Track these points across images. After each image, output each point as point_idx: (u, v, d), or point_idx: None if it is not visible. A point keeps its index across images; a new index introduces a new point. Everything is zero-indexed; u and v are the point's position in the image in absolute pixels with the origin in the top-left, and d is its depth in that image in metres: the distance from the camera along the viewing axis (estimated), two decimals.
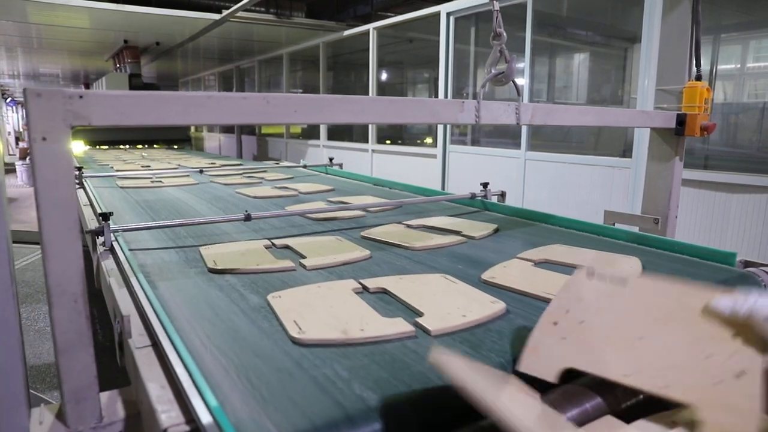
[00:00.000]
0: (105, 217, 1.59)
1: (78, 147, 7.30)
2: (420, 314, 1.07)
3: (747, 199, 2.99)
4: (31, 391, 2.36)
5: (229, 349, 0.92)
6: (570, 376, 0.93)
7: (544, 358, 0.81)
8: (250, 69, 10.08)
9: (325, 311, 1.08)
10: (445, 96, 5.08)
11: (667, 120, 1.86)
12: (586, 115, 1.66)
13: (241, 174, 3.71)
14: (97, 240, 1.62)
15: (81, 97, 0.81)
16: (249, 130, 10.23)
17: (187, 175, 3.59)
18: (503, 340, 0.99)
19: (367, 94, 6.30)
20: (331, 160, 3.89)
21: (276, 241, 1.71)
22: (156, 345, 0.96)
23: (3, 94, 18.82)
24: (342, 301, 1.14)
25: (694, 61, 1.93)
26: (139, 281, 1.23)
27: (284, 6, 7.63)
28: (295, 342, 0.95)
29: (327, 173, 3.85)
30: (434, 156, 5.34)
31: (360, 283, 1.26)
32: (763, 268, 1.48)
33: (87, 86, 15.32)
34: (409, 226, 1.97)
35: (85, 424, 0.88)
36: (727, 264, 1.53)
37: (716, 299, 0.76)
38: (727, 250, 1.54)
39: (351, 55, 8.30)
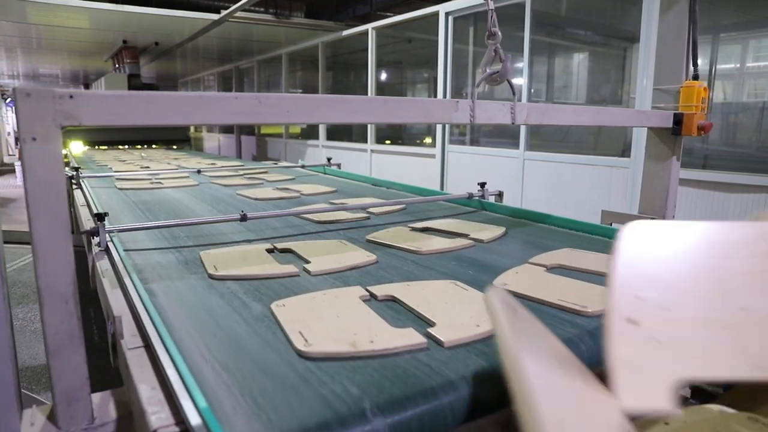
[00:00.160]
0: (100, 217, 1.59)
1: (77, 147, 7.30)
2: (431, 324, 1.02)
3: (745, 198, 2.98)
4: (26, 392, 2.36)
5: (232, 363, 0.88)
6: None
7: (645, 380, 0.50)
8: (250, 69, 10.08)
9: (332, 321, 1.03)
10: (444, 96, 5.08)
11: (663, 119, 1.86)
12: (582, 114, 1.65)
13: (241, 175, 3.68)
14: (92, 240, 1.61)
15: (71, 97, 0.81)
16: (248, 130, 10.23)
17: (187, 176, 3.55)
18: None
19: (366, 94, 6.30)
20: (329, 160, 3.89)
21: (278, 245, 1.67)
22: (148, 346, 0.96)
23: (2, 95, 18.81)
24: (349, 310, 1.09)
25: (691, 61, 1.92)
26: (133, 282, 1.22)
27: (283, 6, 7.62)
28: (301, 355, 0.90)
29: (325, 173, 3.85)
30: (433, 156, 5.34)
31: (367, 290, 1.22)
32: None
33: (87, 86, 15.32)
34: (414, 228, 1.93)
35: (76, 426, 0.87)
36: None
37: None
38: None
39: (350, 55, 8.30)
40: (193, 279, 1.33)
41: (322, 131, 7.47)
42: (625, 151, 3.98)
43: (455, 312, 1.08)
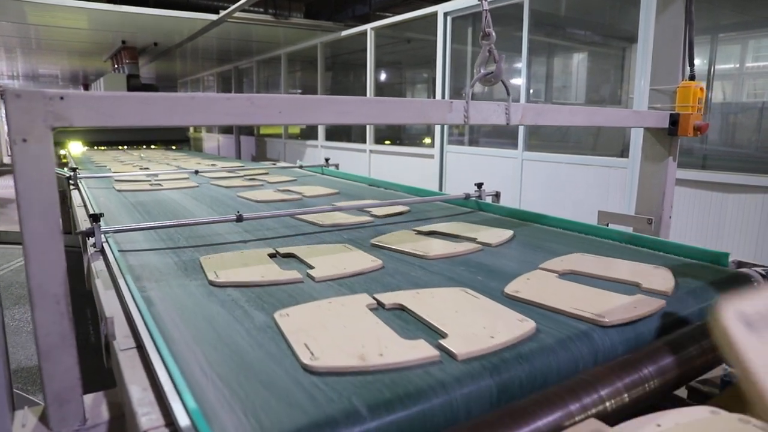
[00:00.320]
0: (95, 218, 1.58)
1: (76, 148, 7.30)
2: (443, 335, 0.98)
3: (743, 198, 2.98)
4: (21, 393, 2.36)
5: (234, 379, 0.83)
6: None
7: None
8: (249, 69, 10.08)
9: (339, 332, 0.98)
10: (442, 96, 5.08)
11: (660, 120, 1.86)
12: (577, 115, 1.65)
13: (241, 176, 3.63)
14: (87, 241, 1.61)
15: (62, 98, 0.81)
16: (248, 130, 10.23)
17: (187, 177, 3.51)
18: (535, 371, 0.91)
19: (366, 94, 6.30)
20: (327, 160, 3.89)
21: (281, 249, 1.62)
22: (141, 347, 0.96)
23: (2, 95, 18.80)
24: (356, 320, 1.04)
25: (687, 61, 1.92)
26: (126, 283, 1.22)
27: (283, 6, 7.62)
28: (307, 369, 0.85)
29: (323, 174, 3.85)
30: (431, 156, 5.34)
31: (374, 298, 1.17)
32: (755, 269, 1.48)
33: (86, 87, 15.33)
34: (420, 232, 1.88)
35: (67, 427, 0.87)
36: (720, 264, 1.53)
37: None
38: (719, 251, 1.54)
39: (349, 56, 8.30)
40: (193, 286, 1.29)
41: (321, 132, 7.47)
42: (624, 152, 3.98)
43: (467, 322, 1.03)
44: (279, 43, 8.11)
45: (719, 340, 0.63)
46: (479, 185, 2.37)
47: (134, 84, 8.33)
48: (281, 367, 0.87)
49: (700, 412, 0.83)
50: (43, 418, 0.88)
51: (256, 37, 7.68)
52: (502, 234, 1.81)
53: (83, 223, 2.08)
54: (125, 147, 7.99)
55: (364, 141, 6.44)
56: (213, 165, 4.47)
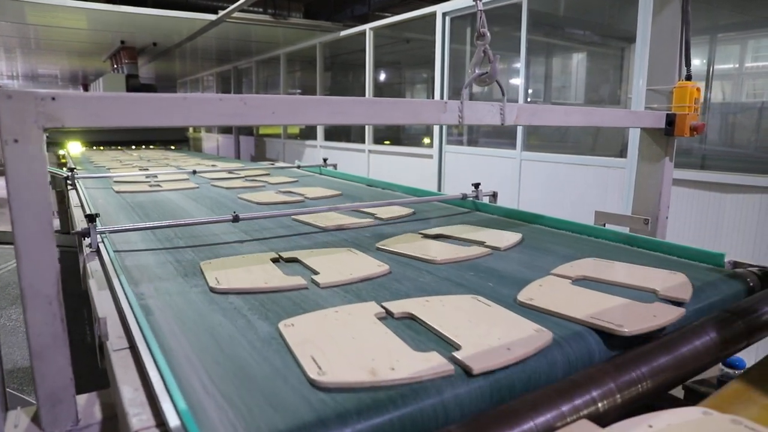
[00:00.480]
0: (91, 218, 1.59)
1: (75, 148, 7.30)
2: (456, 347, 0.94)
3: (741, 198, 2.98)
4: (16, 393, 2.35)
5: (237, 396, 0.79)
6: None
7: None
8: (248, 69, 10.08)
9: (347, 344, 0.94)
10: (441, 96, 5.08)
11: (656, 120, 1.86)
12: (573, 115, 1.65)
13: (242, 177, 3.59)
14: (83, 241, 1.61)
15: (53, 99, 0.81)
16: (247, 131, 10.23)
17: (186, 179, 3.47)
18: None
19: (365, 94, 6.30)
20: (325, 160, 3.89)
21: (284, 254, 1.58)
22: (134, 348, 0.96)
23: None
24: (365, 331, 1.00)
25: (684, 61, 1.92)
26: (121, 283, 1.22)
27: (282, 6, 7.62)
28: (315, 385, 0.81)
29: (321, 174, 3.85)
30: (430, 156, 5.34)
31: (383, 307, 1.13)
32: (751, 269, 1.48)
33: (86, 87, 15.33)
34: (426, 235, 1.84)
35: (60, 428, 0.87)
36: (716, 265, 1.53)
37: None
38: (715, 251, 1.54)
39: (349, 56, 8.30)
40: (194, 293, 1.25)
41: (320, 132, 7.47)
42: (622, 152, 3.98)
43: (481, 332, 0.99)
44: (278, 43, 8.11)
45: None
46: (476, 185, 2.37)
47: (133, 84, 8.33)
48: (287, 383, 0.83)
49: (693, 413, 0.83)
50: (36, 419, 0.89)
51: (255, 37, 7.68)
52: (511, 237, 1.77)
53: (80, 224, 2.09)
54: (124, 147, 8.00)
55: (363, 141, 6.44)
56: (213, 166, 4.46)
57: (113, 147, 7.89)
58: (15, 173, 0.79)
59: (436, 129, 5.22)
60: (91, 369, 1.21)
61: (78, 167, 4.20)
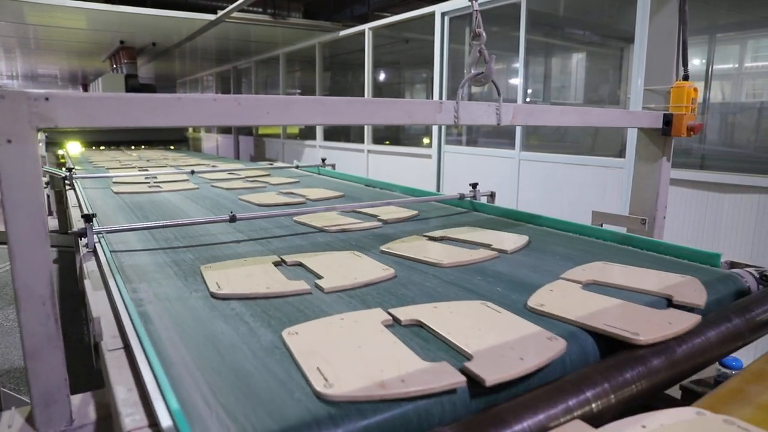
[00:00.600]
0: (88, 218, 1.59)
1: (74, 148, 7.30)
2: (467, 356, 0.91)
3: (739, 198, 2.98)
4: (12, 393, 2.35)
5: (240, 412, 0.75)
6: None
7: None
8: (248, 69, 10.09)
9: (354, 354, 0.91)
10: (440, 96, 5.08)
11: (653, 120, 1.86)
12: (569, 115, 1.65)
13: (243, 178, 3.55)
14: (80, 241, 1.62)
15: (47, 99, 0.81)
16: (246, 131, 10.23)
17: (186, 179, 3.44)
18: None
19: (364, 94, 6.30)
20: (323, 160, 3.89)
21: (287, 258, 1.54)
22: (128, 348, 0.96)
23: None
24: (372, 339, 0.97)
25: (681, 61, 1.92)
26: (116, 283, 1.22)
27: (282, 6, 7.62)
28: (321, 398, 0.78)
29: (319, 173, 3.85)
30: (429, 156, 5.34)
31: (389, 314, 1.10)
32: (748, 269, 1.48)
33: (85, 87, 15.33)
34: (431, 238, 1.81)
35: (54, 428, 0.87)
36: (712, 265, 1.53)
37: None
38: (711, 251, 1.54)
39: (348, 56, 8.30)
40: (194, 298, 1.22)
41: (319, 132, 7.47)
42: (622, 152, 3.98)
43: (491, 340, 0.96)
44: (277, 43, 8.12)
45: None
46: (474, 185, 2.37)
47: (132, 84, 8.33)
48: (293, 396, 0.79)
49: (686, 413, 0.83)
50: (30, 419, 0.89)
51: (254, 37, 7.68)
52: (518, 240, 1.74)
53: (77, 224, 2.08)
54: (123, 147, 8.00)
55: (362, 141, 6.44)
56: (213, 166, 4.43)
57: (112, 147, 7.89)
58: (8, 174, 0.79)
59: (435, 129, 5.23)
60: (88, 369, 1.21)
61: (77, 167, 4.20)
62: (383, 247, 1.68)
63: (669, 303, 1.20)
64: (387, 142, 6.87)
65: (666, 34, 1.93)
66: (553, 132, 5.10)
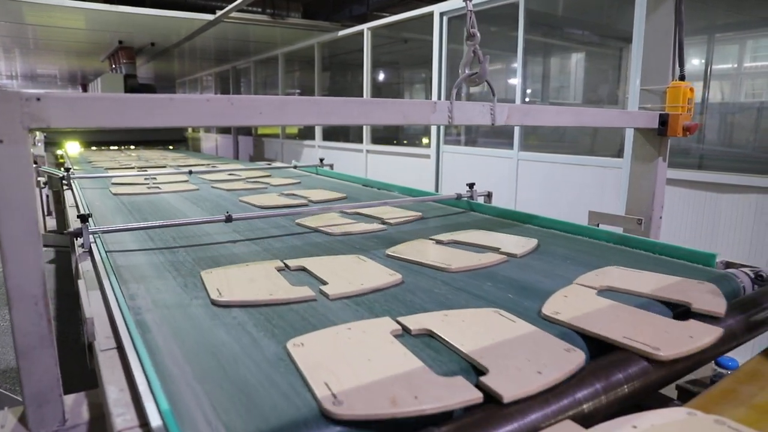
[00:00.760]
0: (84, 218, 1.59)
1: (74, 148, 7.30)
2: (483, 370, 0.87)
3: (737, 198, 2.98)
4: (8, 393, 2.35)
5: (244, 431, 0.73)
6: None
7: None
8: (247, 69, 10.09)
9: (363, 368, 0.86)
10: (438, 96, 5.08)
11: (649, 120, 1.86)
12: (564, 115, 1.65)
13: (243, 179, 3.51)
14: (76, 242, 1.62)
15: (38, 99, 0.81)
16: (246, 131, 10.24)
17: (186, 180, 3.40)
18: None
19: (363, 94, 6.31)
20: (321, 160, 3.89)
21: (290, 262, 1.50)
22: (121, 348, 0.96)
23: None
24: (381, 351, 0.93)
25: (677, 61, 1.92)
26: (111, 284, 1.22)
27: (281, 6, 7.62)
28: (330, 417, 0.74)
29: (317, 174, 3.85)
30: (428, 156, 5.34)
31: (398, 323, 1.06)
32: (743, 269, 1.48)
33: (84, 87, 15.33)
34: (438, 241, 1.77)
35: (46, 428, 0.88)
36: (707, 265, 1.53)
37: None
38: (707, 251, 1.54)
39: (347, 56, 8.30)
40: (194, 306, 1.18)
41: (318, 132, 7.48)
42: (620, 152, 3.98)
43: (507, 352, 0.93)
44: (276, 43, 8.12)
45: None
46: (471, 185, 2.38)
47: (131, 84, 8.32)
48: (300, 413, 0.76)
49: (677, 413, 0.83)
50: (23, 419, 0.89)
51: (253, 37, 7.68)
52: (527, 243, 1.69)
53: (74, 224, 2.09)
54: (122, 147, 8.00)
55: (361, 141, 6.45)
56: (213, 166, 4.41)
57: (111, 147, 7.90)
58: (1, 173, 0.79)
59: (433, 129, 5.23)
60: (84, 369, 1.21)
61: (75, 167, 4.20)
62: (389, 251, 1.64)
63: (687, 311, 1.16)
64: (394, 142, 6.87)
65: (662, 34, 1.93)
66: (552, 132, 5.11)
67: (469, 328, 1.03)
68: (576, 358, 0.92)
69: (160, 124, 0.91)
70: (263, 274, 1.37)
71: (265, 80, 9.97)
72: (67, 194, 2.77)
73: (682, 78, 1.91)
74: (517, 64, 4.42)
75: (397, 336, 1.01)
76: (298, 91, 9.69)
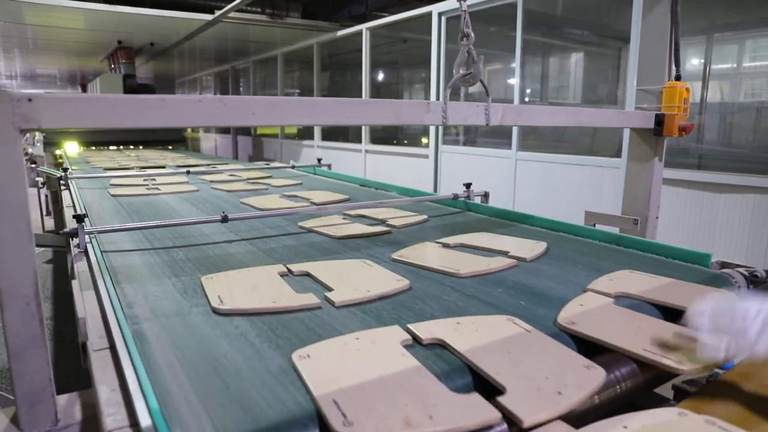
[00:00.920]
0: (79, 218, 1.59)
1: (72, 148, 7.31)
2: (501, 389, 0.82)
3: (734, 198, 2.98)
4: (4, 393, 2.35)
5: None
6: None
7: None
8: (246, 69, 10.10)
9: (374, 383, 0.82)
10: (437, 96, 5.08)
11: (645, 120, 1.86)
12: (559, 115, 1.65)
13: (244, 180, 3.47)
14: (71, 242, 1.62)
15: (30, 100, 0.81)
16: (245, 131, 10.24)
17: (186, 182, 3.35)
18: None
19: (362, 94, 6.31)
20: (319, 160, 3.89)
21: (293, 267, 1.44)
22: (113, 348, 0.96)
23: None
24: (392, 365, 0.88)
25: (673, 62, 1.93)
26: (105, 284, 1.22)
27: (280, 6, 7.62)
28: None
29: (315, 174, 3.85)
30: (426, 156, 5.34)
31: (408, 332, 1.01)
32: (738, 269, 1.48)
33: (84, 87, 15.33)
34: (445, 245, 1.72)
35: (39, 428, 0.88)
36: (702, 265, 1.53)
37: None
38: (702, 251, 1.54)
39: (346, 56, 8.30)
40: (194, 314, 1.13)
41: (317, 132, 7.48)
42: (619, 152, 3.99)
43: (525, 368, 0.88)
44: (275, 44, 8.12)
45: None
46: (468, 185, 2.38)
47: (131, 84, 8.32)
48: None
49: (668, 413, 0.84)
50: (15, 419, 0.89)
51: (252, 37, 7.69)
52: (536, 247, 1.64)
53: (70, 224, 2.08)
54: (121, 147, 8.01)
55: (360, 141, 6.45)
56: (212, 166, 4.38)
57: (110, 147, 7.90)
58: None
59: (431, 129, 5.23)
60: (80, 368, 1.21)
61: (74, 167, 4.21)
62: (394, 255, 1.59)
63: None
64: (394, 142, 6.87)
65: (658, 35, 1.93)
66: (551, 132, 5.11)
67: (483, 338, 0.99)
68: (597, 376, 0.88)
69: (152, 124, 0.91)
70: (266, 280, 1.33)
71: (264, 80, 9.97)
72: (65, 194, 2.77)
73: (678, 78, 1.91)
74: (516, 64, 4.42)
75: (407, 346, 0.97)
76: (297, 91, 9.69)
